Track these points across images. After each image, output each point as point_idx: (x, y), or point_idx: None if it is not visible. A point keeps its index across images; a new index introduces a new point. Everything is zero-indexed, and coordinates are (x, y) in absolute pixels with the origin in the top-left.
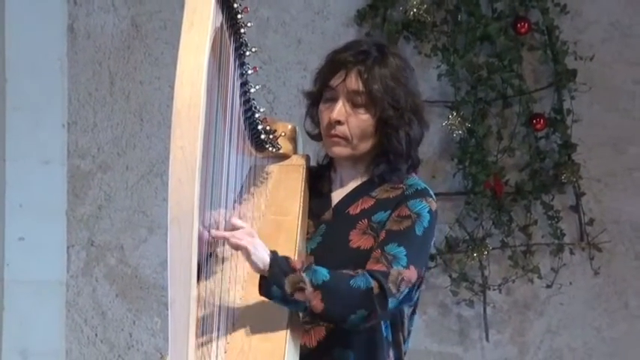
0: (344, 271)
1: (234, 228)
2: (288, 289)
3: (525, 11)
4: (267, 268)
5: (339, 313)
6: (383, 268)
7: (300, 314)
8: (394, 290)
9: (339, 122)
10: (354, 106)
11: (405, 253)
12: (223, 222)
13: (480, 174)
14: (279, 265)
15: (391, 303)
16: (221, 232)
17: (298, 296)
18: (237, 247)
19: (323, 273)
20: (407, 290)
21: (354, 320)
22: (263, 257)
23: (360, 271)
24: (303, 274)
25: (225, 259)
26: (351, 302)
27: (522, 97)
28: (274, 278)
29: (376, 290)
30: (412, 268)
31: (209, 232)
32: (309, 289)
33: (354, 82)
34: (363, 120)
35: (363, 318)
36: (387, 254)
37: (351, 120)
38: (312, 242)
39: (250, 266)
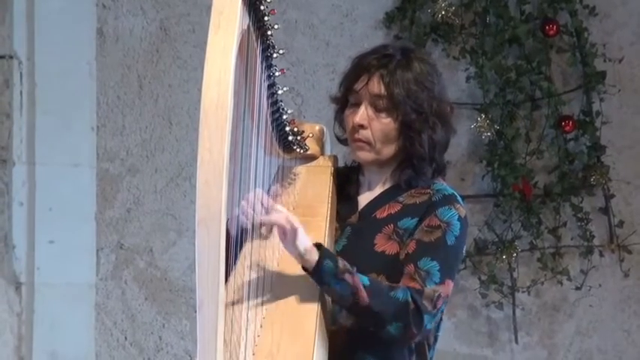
0: (383, 282)
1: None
2: (340, 264)
3: (554, 13)
4: (314, 248)
5: (381, 316)
6: (417, 286)
7: (329, 315)
8: (430, 307)
9: (362, 126)
10: (377, 110)
11: (438, 267)
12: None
13: (509, 176)
14: (326, 249)
15: (427, 320)
16: (271, 215)
17: (348, 278)
18: (290, 225)
19: (364, 277)
20: (444, 307)
21: (391, 331)
22: (308, 240)
23: (399, 284)
24: (352, 268)
25: (254, 260)
26: (390, 311)
27: (551, 99)
28: (326, 253)
29: (412, 306)
30: (447, 281)
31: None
32: (355, 279)
33: (376, 86)
34: (385, 124)
35: (399, 331)
36: (421, 270)
37: (373, 124)
38: (338, 244)
39: (294, 251)
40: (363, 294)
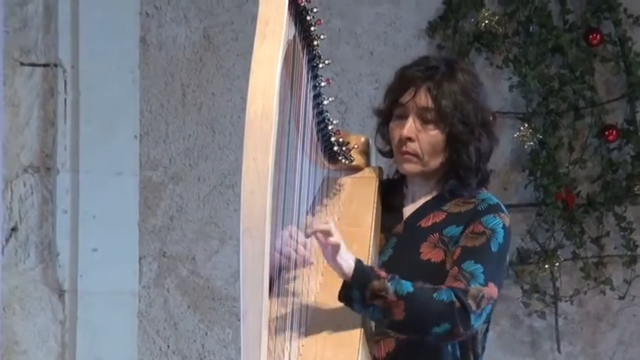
0: (426, 285)
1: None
2: (368, 293)
3: (597, 23)
4: (351, 271)
5: (422, 324)
6: (462, 285)
7: (373, 325)
8: (474, 307)
9: (409, 139)
10: (424, 122)
11: (482, 270)
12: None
13: (552, 185)
14: (364, 270)
15: (473, 320)
16: (316, 227)
17: (377, 302)
18: (327, 243)
19: (407, 285)
20: (489, 308)
21: (437, 332)
22: (349, 259)
23: (443, 286)
24: (388, 283)
25: (298, 270)
26: (435, 315)
27: (594, 108)
28: (358, 281)
29: (457, 305)
30: (491, 285)
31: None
32: (391, 297)
33: (423, 99)
34: (433, 136)
35: (447, 332)
36: (465, 272)
37: (421, 136)
38: (384, 255)
39: (334, 268)
40: (398, 311)
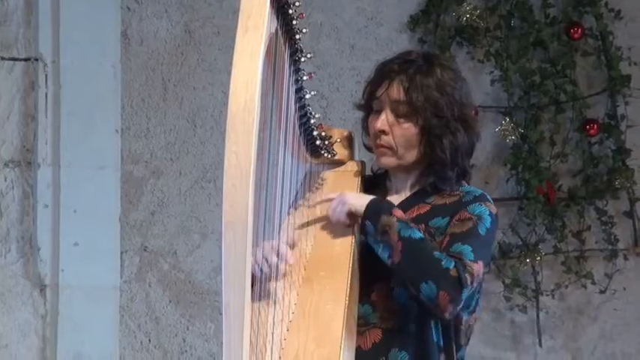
0: (434, 244)
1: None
2: (379, 227)
3: (579, 17)
4: (364, 206)
5: (414, 273)
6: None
7: (356, 317)
8: (469, 280)
9: (383, 132)
10: (397, 115)
11: (470, 249)
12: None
13: (533, 179)
14: (379, 204)
15: (464, 293)
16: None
17: (384, 237)
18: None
19: (416, 232)
20: (477, 285)
21: (426, 290)
22: (360, 203)
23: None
24: (396, 222)
25: (281, 264)
26: (428, 270)
27: (575, 102)
28: (371, 214)
29: (453, 273)
30: (480, 262)
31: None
32: (392, 235)
33: (395, 92)
34: (406, 129)
35: (434, 293)
36: (454, 252)
37: (395, 130)
38: (368, 248)
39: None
40: (397, 251)
